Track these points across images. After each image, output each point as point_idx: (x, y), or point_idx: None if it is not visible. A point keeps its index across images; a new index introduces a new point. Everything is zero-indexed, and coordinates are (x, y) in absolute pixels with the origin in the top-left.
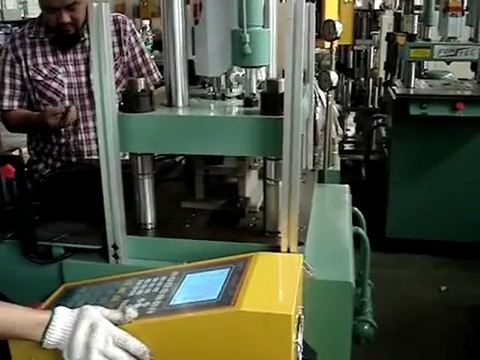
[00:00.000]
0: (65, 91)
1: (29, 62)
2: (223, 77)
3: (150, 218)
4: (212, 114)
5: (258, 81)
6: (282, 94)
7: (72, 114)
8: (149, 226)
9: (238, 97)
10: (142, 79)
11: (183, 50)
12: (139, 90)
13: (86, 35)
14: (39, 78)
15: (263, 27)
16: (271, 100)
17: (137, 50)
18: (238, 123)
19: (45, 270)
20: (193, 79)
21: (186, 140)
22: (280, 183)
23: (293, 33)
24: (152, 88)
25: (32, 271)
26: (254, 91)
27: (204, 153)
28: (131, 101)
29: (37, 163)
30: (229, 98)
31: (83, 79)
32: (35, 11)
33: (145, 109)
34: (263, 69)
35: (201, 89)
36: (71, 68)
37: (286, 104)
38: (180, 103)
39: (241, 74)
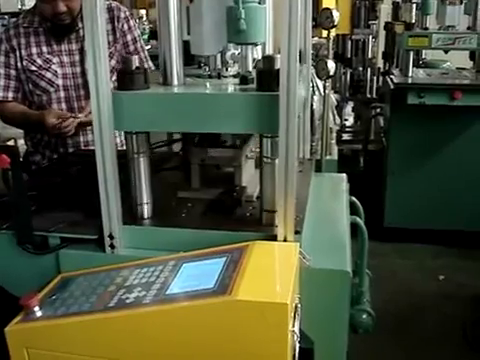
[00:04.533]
0: (59, 81)
1: (23, 52)
2: (219, 57)
3: (146, 208)
4: (207, 91)
5: (254, 60)
6: (278, 70)
7: (72, 125)
8: (145, 216)
9: (234, 76)
10: (136, 56)
11: (178, 28)
12: (133, 68)
13: (80, 25)
14: (33, 68)
15: (259, 3)
16: (266, 76)
17: (129, 37)
18: (233, 100)
19: (41, 260)
20: (188, 60)
21: (181, 118)
22: (276, 161)
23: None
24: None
25: (28, 261)
26: (250, 69)
27: (199, 131)
28: (125, 79)
29: (34, 154)
30: (225, 77)
31: (77, 69)
32: (32, 2)
33: (140, 87)
34: (259, 48)
35: (197, 70)
36: (65, 58)
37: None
38: (175, 82)
39: (237, 53)
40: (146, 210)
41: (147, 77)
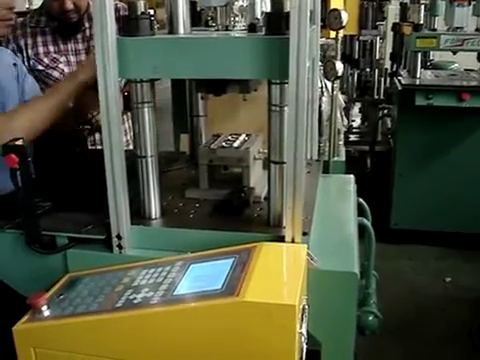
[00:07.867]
0: None
1: (30, 51)
2: (226, 11)
3: (154, 206)
4: (214, 35)
5: (263, 13)
6: (287, 13)
7: None
8: (153, 216)
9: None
10: (142, 1)
11: None
12: (139, 13)
13: (87, 24)
14: (40, 67)
15: None
16: (276, 19)
17: None
18: (241, 44)
19: (49, 260)
20: (195, 21)
21: (188, 63)
22: (285, 108)
23: None
24: None
25: (36, 261)
26: (258, 16)
27: (206, 77)
28: (130, 24)
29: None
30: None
31: None
32: (39, 2)
33: (145, 33)
34: (268, 1)
35: (204, 29)
36: (72, 58)
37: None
38: (181, 31)
39: (245, 4)
40: (154, 210)
41: (152, 23)
